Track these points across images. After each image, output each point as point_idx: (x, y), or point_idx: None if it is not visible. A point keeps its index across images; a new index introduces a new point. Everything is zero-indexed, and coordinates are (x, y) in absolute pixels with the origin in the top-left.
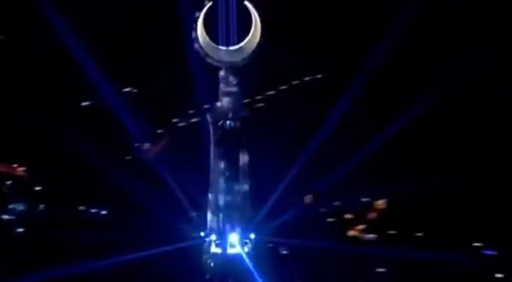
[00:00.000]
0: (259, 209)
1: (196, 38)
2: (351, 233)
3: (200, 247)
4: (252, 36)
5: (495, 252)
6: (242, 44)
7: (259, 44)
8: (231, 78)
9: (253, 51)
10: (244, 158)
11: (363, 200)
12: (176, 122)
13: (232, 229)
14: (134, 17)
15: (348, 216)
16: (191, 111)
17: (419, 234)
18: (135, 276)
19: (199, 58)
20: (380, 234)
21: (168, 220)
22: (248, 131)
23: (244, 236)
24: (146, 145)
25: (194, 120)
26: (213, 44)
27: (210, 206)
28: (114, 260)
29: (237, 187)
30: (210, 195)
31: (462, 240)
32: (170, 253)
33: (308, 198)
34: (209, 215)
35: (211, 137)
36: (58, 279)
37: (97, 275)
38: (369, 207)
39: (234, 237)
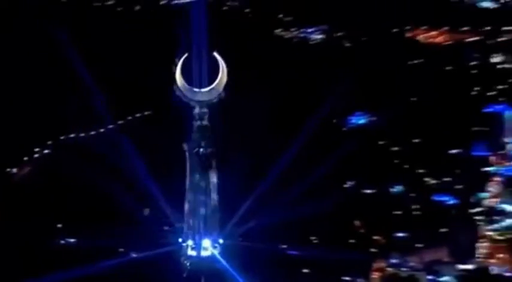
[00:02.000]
0: (226, 218)
1: (176, 84)
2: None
3: (178, 251)
4: (220, 79)
5: None
6: (213, 85)
7: (226, 85)
8: (203, 114)
9: (222, 92)
10: (213, 177)
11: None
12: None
13: (205, 235)
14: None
15: None
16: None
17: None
18: (125, 277)
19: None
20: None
21: (151, 229)
22: (216, 156)
23: (214, 241)
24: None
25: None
26: (190, 87)
27: (186, 216)
28: (104, 263)
29: (208, 200)
30: (186, 207)
31: None
32: (153, 256)
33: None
34: (185, 224)
35: (187, 161)
36: None
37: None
38: None
39: (206, 242)
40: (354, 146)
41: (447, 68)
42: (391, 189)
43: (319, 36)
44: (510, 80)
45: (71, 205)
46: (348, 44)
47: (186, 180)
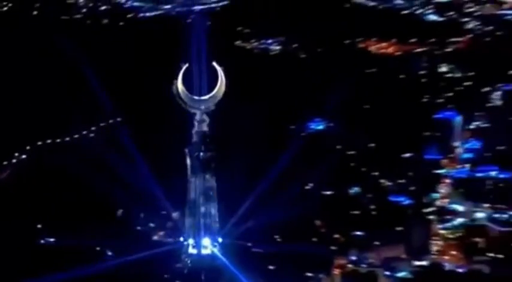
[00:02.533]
0: (225, 219)
1: (177, 92)
2: None
3: (180, 249)
4: (218, 87)
5: None
6: (212, 93)
7: (225, 93)
8: (204, 120)
9: (221, 99)
10: (212, 180)
11: None
12: None
13: (205, 235)
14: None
15: None
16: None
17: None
18: (131, 274)
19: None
20: None
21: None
22: (215, 160)
23: (214, 240)
24: None
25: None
26: (190, 95)
27: (187, 217)
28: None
29: (207, 202)
30: (187, 209)
31: None
32: (158, 254)
33: None
34: (187, 224)
35: (188, 164)
36: None
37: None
38: None
39: (206, 241)
40: (313, 151)
41: (399, 76)
42: (350, 191)
43: (278, 47)
44: (457, 88)
45: (76, 206)
46: (303, 55)
47: (187, 182)
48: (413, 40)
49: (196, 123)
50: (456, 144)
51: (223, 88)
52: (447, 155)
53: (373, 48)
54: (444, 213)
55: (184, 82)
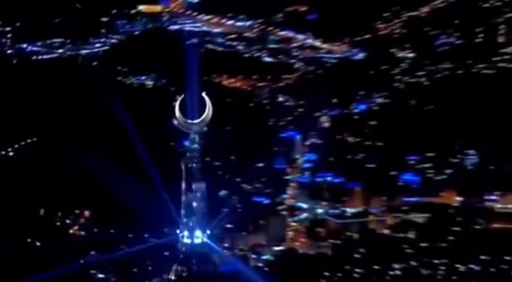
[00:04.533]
0: (212, 216)
1: (175, 117)
2: None
3: (177, 239)
4: (207, 113)
5: None
6: (202, 118)
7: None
8: (196, 139)
9: (208, 123)
10: (202, 185)
11: None
12: None
13: (196, 228)
14: None
15: None
16: None
17: None
18: (137, 260)
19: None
20: None
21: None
22: (205, 170)
23: (203, 232)
24: None
25: None
26: (185, 119)
27: (182, 214)
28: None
29: (198, 202)
30: (182, 207)
31: None
32: (158, 244)
33: None
34: (182, 220)
35: (183, 173)
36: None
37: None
38: None
39: (198, 233)
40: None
41: (249, 104)
42: (220, 194)
43: (150, 83)
44: (295, 113)
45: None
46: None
47: (182, 187)
48: (254, 77)
49: (190, 141)
50: (297, 156)
51: (210, 114)
52: (291, 165)
53: (225, 82)
54: (293, 210)
55: (180, 109)
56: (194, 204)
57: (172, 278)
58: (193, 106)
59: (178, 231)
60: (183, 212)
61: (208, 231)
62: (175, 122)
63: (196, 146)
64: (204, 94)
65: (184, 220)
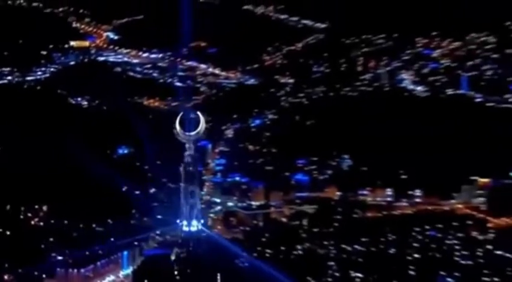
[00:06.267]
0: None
1: (176, 130)
2: None
3: (177, 227)
4: (201, 127)
5: None
6: (196, 131)
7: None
8: (191, 147)
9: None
10: (196, 186)
11: None
12: None
13: (193, 218)
14: None
15: None
16: None
17: None
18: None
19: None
20: None
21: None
22: (199, 173)
23: (198, 221)
24: None
25: None
26: (183, 131)
27: (181, 207)
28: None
29: (194, 199)
30: (181, 202)
31: None
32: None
33: None
34: (182, 212)
35: (182, 175)
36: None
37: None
38: None
39: (194, 222)
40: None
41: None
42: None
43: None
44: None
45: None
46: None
47: (181, 187)
48: (169, 98)
49: (187, 150)
50: (210, 161)
51: (203, 128)
52: (205, 168)
53: (146, 103)
54: (210, 204)
55: (180, 124)
56: (191, 200)
57: (173, 258)
58: (189, 121)
59: (178, 221)
60: (182, 205)
61: (202, 221)
62: (175, 133)
63: (192, 152)
64: (198, 112)
65: (183, 212)
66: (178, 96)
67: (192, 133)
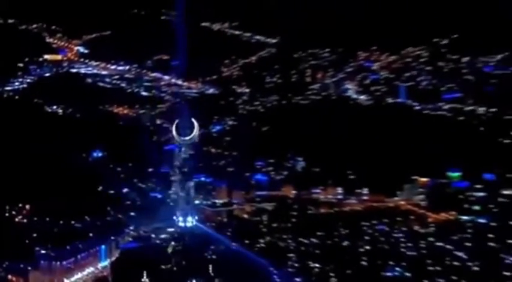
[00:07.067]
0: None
1: (173, 135)
2: None
3: (173, 223)
4: (195, 132)
5: None
6: (191, 136)
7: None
8: (187, 150)
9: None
10: (190, 184)
11: None
12: None
13: (188, 215)
14: None
15: None
16: None
17: None
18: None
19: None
20: None
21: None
22: (193, 173)
23: (193, 218)
24: None
25: None
26: (179, 136)
27: (177, 205)
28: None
29: (188, 197)
30: (177, 200)
31: None
32: (160, 227)
33: None
34: (178, 210)
35: (178, 175)
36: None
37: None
38: None
39: (189, 218)
40: None
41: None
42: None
43: (61, 111)
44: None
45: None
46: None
47: (176, 185)
48: (137, 106)
49: (182, 152)
50: (177, 163)
51: (197, 133)
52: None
53: (116, 110)
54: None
55: (177, 129)
56: (186, 198)
57: (170, 250)
58: (185, 126)
59: (175, 217)
60: (177, 202)
61: (196, 217)
62: (171, 137)
63: (187, 155)
64: (193, 119)
65: (179, 209)
66: (145, 105)
67: (187, 138)
